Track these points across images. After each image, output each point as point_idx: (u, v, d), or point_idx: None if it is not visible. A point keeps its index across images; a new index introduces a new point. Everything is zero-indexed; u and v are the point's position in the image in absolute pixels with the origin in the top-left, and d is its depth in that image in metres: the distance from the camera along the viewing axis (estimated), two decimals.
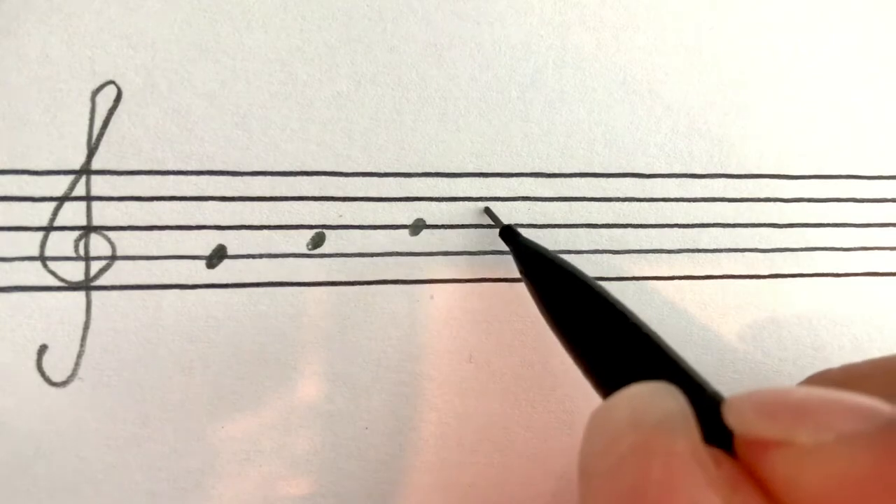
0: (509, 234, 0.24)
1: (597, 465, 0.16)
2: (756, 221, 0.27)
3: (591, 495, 0.16)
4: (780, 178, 0.27)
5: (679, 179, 0.26)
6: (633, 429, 0.16)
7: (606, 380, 0.19)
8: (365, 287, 0.25)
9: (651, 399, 0.16)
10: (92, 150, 0.23)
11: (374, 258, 0.25)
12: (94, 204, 0.24)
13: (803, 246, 0.27)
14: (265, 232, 0.25)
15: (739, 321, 0.27)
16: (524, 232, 0.25)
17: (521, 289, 0.26)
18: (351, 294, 0.25)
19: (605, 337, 0.20)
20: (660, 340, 0.20)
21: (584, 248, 0.26)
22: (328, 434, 0.25)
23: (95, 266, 0.24)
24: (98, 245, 0.24)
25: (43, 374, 0.24)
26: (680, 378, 0.18)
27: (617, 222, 0.26)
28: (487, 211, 0.25)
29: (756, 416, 0.15)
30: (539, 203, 0.26)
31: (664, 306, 0.27)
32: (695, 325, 0.27)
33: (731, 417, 0.16)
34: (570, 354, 0.21)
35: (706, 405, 0.17)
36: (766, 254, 0.27)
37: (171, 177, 0.24)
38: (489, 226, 0.25)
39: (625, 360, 0.19)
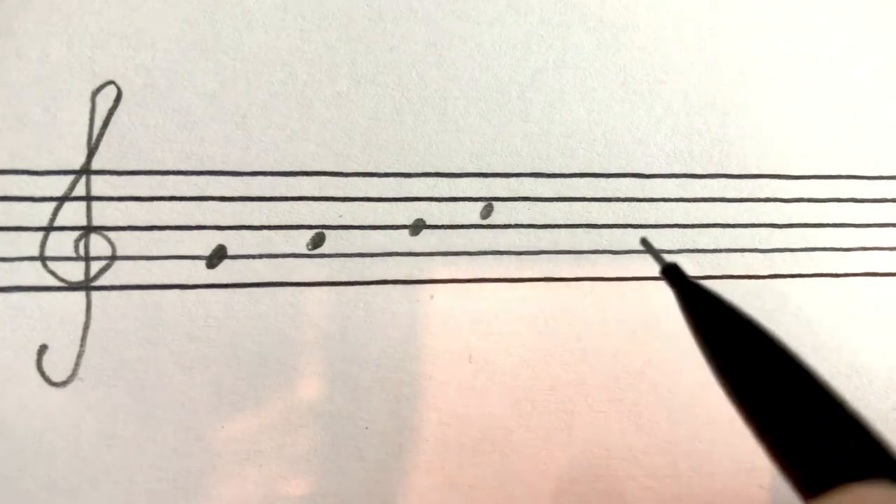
0: (674, 273, 0.20)
1: None
2: (756, 221, 0.27)
3: None
4: (780, 178, 0.27)
5: (679, 179, 0.26)
6: None
7: (808, 472, 0.15)
8: (365, 287, 0.25)
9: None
10: (92, 150, 0.23)
11: (374, 258, 0.25)
12: (94, 204, 0.24)
13: (803, 246, 0.27)
14: (265, 232, 0.25)
15: None
16: (526, 232, 0.25)
17: (522, 289, 0.26)
18: (351, 294, 0.25)
19: (797, 414, 0.16)
20: (872, 427, 0.16)
21: (584, 249, 0.26)
22: (328, 434, 0.25)
23: (95, 266, 0.24)
24: (98, 245, 0.24)
25: (43, 374, 0.24)
26: (883, 458, 0.15)
27: (617, 222, 0.26)
28: (645, 242, 0.23)
29: None
30: (539, 203, 0.26)
31: (664, 306, 0.27)
32: None
33: None
34: (757, 436, 0.17)
35: None
36: (766, 254, 0.27)
37: (171, 177, 0.24)
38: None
39: (831, 448, 0.15)
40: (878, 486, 0.14)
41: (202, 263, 0.24)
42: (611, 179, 0.26)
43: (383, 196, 0.25)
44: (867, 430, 0.15)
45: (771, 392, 0.17)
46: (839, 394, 0.16)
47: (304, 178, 0.25)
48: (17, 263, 0.23)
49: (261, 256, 0.25)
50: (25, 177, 0.23)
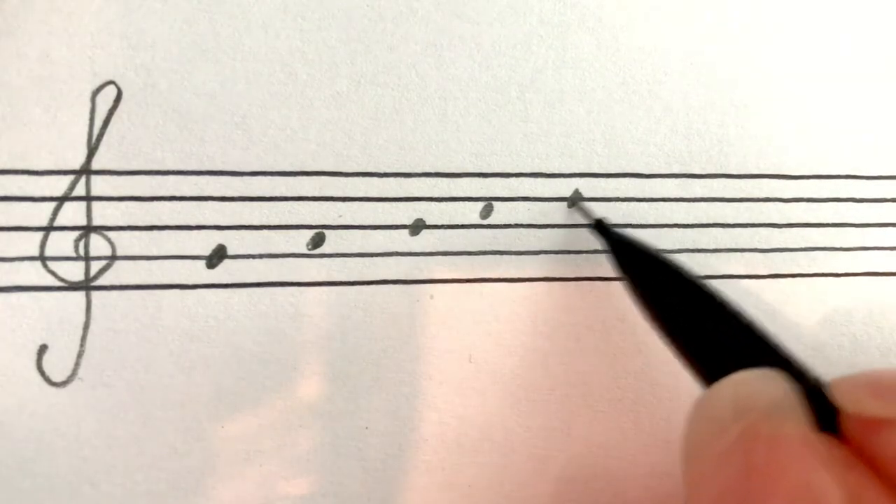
0: (601, 229, 0.25)
1: (702, 451, 0.16)
2: (755, 221, 0.27)
3: (697, 482, 0.16)
4: (779, 178, 0.27)
5: (678, 179, 0.26)
6: (739, 414, 0.16)
7: (709, 370, 0.20)
8: (365, 287, 0.25)
9: (756, 384, 0.17)
10: (92, 150, 0.23)
11: (374, 258, 0.25)
12: (94, 204, 0.24)
13: (803, 246, 0.27)
14: (265, 232, 0.25)
15: None
16: (526, 232, 0.25)
17: (522, 288, 0.26)
18: (351, 294, 0.25)
19: (705, 327, 0.20)
20: (759, 329, 0.20)
21: (583, 249, 0.26)
22: (328, 434, 0.25)
23: (95, 266, 0.24)
24: (98, 245, 0.24)
25: (43, 374, 0.24)
26: (781, 365, 0.18)
27: (617, 222, 0.26)
28: (578, 206, 0.25)
29: (870, 396, 0.15)
30: (540, 203, 0.26)
31: None
32: None
33: (843, 398, 0.16)
34: (671, 346, 0.21)
35: (809, 390, 0.17)
36: (766, 254, 0.27)
37: (171, 177, 0.24)
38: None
39: (727, 349, 0.20)
40: (759, 371, 0.17)
41: (202, 263, 0.24)
42: (610, 179, 0.26)
43: (383, 196, 0.25)
44: (761, 337, 0.20)
45: (682, 311, 0.21)
46: (741, 312, 0.21)
47: (304, 178, 0.25)
48: (17, 263, 0.23)
49: (261, 256, 0.25)
50: (25, 177, 0.23)
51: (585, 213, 0.25)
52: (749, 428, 0.15)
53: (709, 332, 0.20)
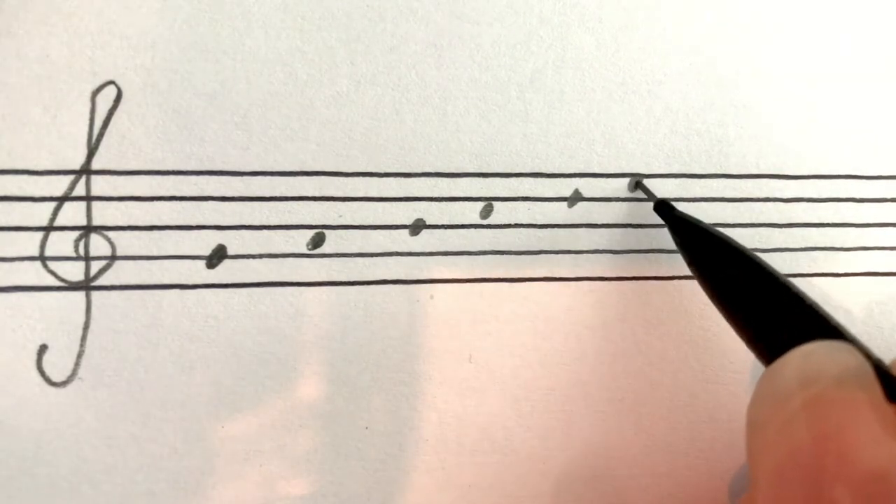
0: (664, 208, 0.25)
1: (767, 421, 0.16)
2: (755, 221, 0.27)
3: (760, 452, 0.16)
4: (779, 177, 0.27)
5: (678, 179, 0.26)
6: (807, 382, 0.16)
7: (771, 346, 0.20)
8: (365, 287, 0.25)
9: (826, 355, 0.17)
10: (92, 150, 0.23)
11: (374, 258, 0.25)
12: (94, 204, 0.24)
13: (803, 246, 0.27)
14: (265, 232, 0.25)
15: None
16: (526, 232, 0.25)
17: (522, 289, 0.26)
18: (351, 294, 0.25)
19: (768, 304, 0.21)
20: (820, 308, 0.20)
21: (583, 249, 0.26)
22: (328, 434, 0.25)
23: (95, 266, 0.24)
24: (98, 245, 0.24)
25: (43, 374, 0.24)
26: (828, 329, 0.19)
27: (617, 222, 0.26)
28: (641, 185, 0.26)
29: None
30: (540, 203, 0.26)
31: (664, 306, 0.27)
32: (695, 325, 0.27)
33: None
34: (732, 324, 0.22)
35: (875, 365, 0.17)
36: (766, 254, 0.27)
37: (171, 177, 0.24)
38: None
39: (789, 325, 0.20)
40: (832, 342, 0.17)
41: (202, 263, 0.24)
42: (610, 179, 0.26)
43: (383, 196, 0.25)
44: (823, 316, 0.20)
45: (743, 289, 0.21)
46: (800, 290, 0.21)
47: (304, 178, 0.25)
48: (17, 263, 0.23)
49: (261, 256, 0.25)
50: (25, 177, 0.23)
51: (648, 192, 0.26)
52: (817, 395, 0.15)
53: (770, 309, 0.20)
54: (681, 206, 0.26)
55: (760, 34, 0.26)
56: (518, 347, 0.26)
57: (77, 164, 0.23)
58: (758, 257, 0.22)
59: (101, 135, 0.23)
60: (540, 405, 0.26)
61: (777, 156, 0.27)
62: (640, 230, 0.26)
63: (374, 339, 0.25)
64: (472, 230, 0.26)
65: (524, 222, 0.26)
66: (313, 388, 0.25)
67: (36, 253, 0.23)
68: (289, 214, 0.25)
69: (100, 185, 0.24)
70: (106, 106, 0.23)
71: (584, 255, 0.26)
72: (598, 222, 0.26)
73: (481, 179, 0.25)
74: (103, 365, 0.24)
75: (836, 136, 0.27)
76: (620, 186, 0.26)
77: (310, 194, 0.25)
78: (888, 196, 0.27)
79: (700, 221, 0.24)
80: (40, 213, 0.23)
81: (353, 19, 0.24)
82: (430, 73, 0.25)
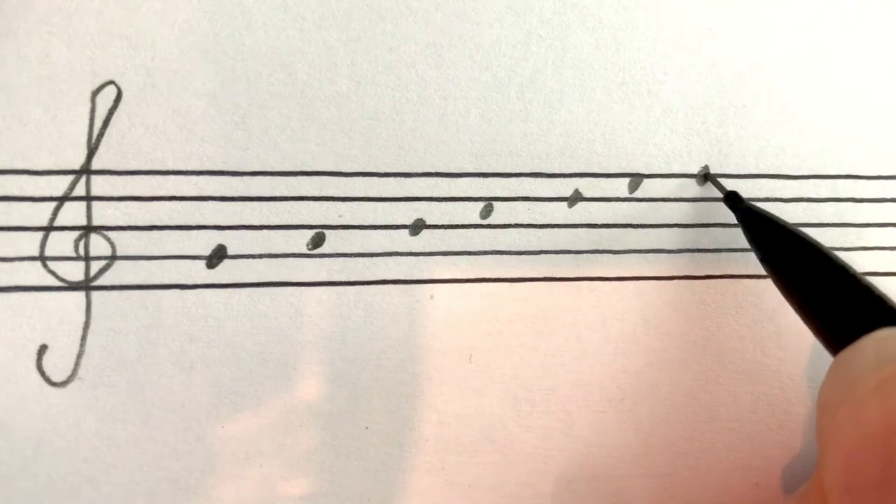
0: (734, 200, 0.25)
1: (839, 402, 0.17)
2: None
3: (831, 433, 0.16)
4: (778, 177, 0.27)
5: (678, 179, 0.26)
6: (881, 364, 0.16)
7: (841, 334, 0.20)
8: (365, 287, 0.25)
9: None
10: (92, 150, 0.23)
11: (374, 258, 0.25)
12: (94, 204, 0.24)
13: None
14: (265, 232, 0.25)
15: (739, 321, 0.27)
16: (526, 232, 0.25)
17: (522, 289, 0.26)
18: (351, 294, 0.25)
19: (839, 295, 0.21)
20: (889, 298, 0.20)
21: (583, 249, 0.26)
22: (328, 434, 0.25)
23: (95, 266, 0.24)
24: (98, 245, 0.24)
25: (43, 374, 0.24)
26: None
27: (617, 222, 0.26)
28: (711, 178, 0.26)
29: None
30: (540, 203, 0.26)
31: (664, 306, 0.27)
32: (695, 325, 0.27)
33: None
34: (801, 314, 0.22)
35: None
36: None
37: (171, 177, 0.24)
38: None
39: (859, 316, 0.20)
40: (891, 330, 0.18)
41: (202, 263, 0.24)
42: (610, 179, 0.26)
43: (383, 196, 0.25)
44: (888, 302, 0.20)
45: (812, 280, 0.22)
46: (869, 281, 0.21)
47: (304, 178, 0.25)
48: (17, 263, 0.23)
49: (261, 256, 0.25)
50: (25, 177, 0.23)
51: (718, 186, 0.26)
52: (891, 375, 0.16)
53: (841, 299, 0.21)
54: (681, 206, 0.26)
55: (760, 34, 0.26)
56: (518, 347, 0.26)
57: (77, 164, 0.23)
58: (826, 248, 0.22)
59: (101, 135, 0.23)
60: (540, 405, 0.26)
61: (777, 156, 0.27)
62: (640, 230, 0.26)
63: (374, 339, 0.25)
64: (472, 230, 0.26)
65: (524, 222, 0.26)
66: (313, 388, 0.25)
67: (36, 253, 0.23)
68: (289, 214, 0.25)
69: (100, 185, 0.24)
70: (106, 106, 0.23)
71: (584, 255, 0.26)
72: (598, 222, 0.26)
73: (481, 179, 0.25)
74: (103, 365, 0.24)
75: (835, 136, 0.27)
76: (620, 186, 0.26)
77: (310, 194, 0.25)
78: (888, 196, 0.28)
79: (770, 213, 0.24)
80: (40, 213, 0.23)
81: (353, 19, 0.24)
82: (430, 73, 0.25)
